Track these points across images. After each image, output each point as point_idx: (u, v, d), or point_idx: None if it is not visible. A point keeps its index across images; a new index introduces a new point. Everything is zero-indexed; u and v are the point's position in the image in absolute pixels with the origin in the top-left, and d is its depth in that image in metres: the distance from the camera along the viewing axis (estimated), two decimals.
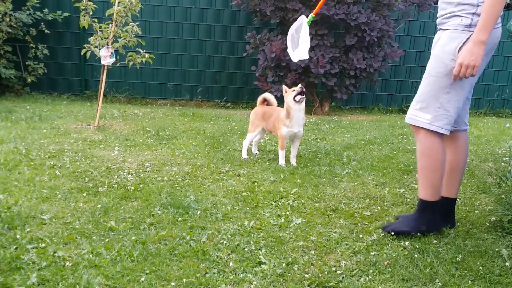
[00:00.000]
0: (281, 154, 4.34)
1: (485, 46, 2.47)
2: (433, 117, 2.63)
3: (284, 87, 4.31)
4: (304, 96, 4.18)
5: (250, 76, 8.94)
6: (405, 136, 5.99)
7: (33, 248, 2.45)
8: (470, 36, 2.50)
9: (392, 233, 2.74)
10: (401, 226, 2.79)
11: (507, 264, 2.40)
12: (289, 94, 4.22)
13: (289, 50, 3.89)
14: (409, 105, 8.85)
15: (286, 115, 4.25)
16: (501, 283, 2.23)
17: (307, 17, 3.83)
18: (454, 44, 2.55)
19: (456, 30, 2.56)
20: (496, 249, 2.57)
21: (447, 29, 2.62)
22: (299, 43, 3.78)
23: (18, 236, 2.55)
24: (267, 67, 8.00)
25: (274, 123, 4.41)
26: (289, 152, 4.43)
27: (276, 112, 4.44)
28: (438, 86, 2.61)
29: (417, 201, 2.84)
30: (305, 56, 3.74)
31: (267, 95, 4.70)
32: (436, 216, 2.79)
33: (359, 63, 7.72)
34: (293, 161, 4.39)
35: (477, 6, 2.50)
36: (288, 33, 3.90)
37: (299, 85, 4.22)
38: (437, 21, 2.75)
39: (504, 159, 4.55)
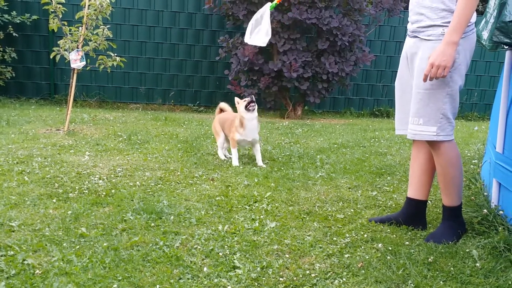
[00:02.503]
0: (233, 152, 4.52)
1: (457, 47, 2.49)
2: (438, 128, 2.64)
3: (236, 99, 4.53)
4: (256, 105, 4.39)
5: (223, 80, 8.93)
6: (376, 140, 6.07)
7: (2, 256, 2.38)
8: None
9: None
10: (443, 237, 2.76)
11: (477, 264, 2.44)
12: (241, 104, 4.43)
13: (247, 33, 3.83)
14: (380, 109, 8.89)
15: (240, 124, 4.44)
16: (472, 283, 2.27)
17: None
18: None
19: (438, 40, 2.56)
20: (467, 250, 2.61)
21: (428, 40, 2.62)
22: (259, 28, 3.77)
23: None
24: (240, 71, 8.01)
25: (230, 127, 4.59)
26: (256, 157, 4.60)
27: (231, 116, 4.66)
28: (435, 98, 2.61)
29: (441, 211, 2.89)
30: (263, 43, 3.72)
31: (222, 104, 4.96)
32: (462, 217, 2.88)
33: (331, 67, 7.79)
34: (260, 163, 4.52)
35: None
36: (253, 17, 3.86)
37: (250, 95, 4.44)
38: (411, 27, 2.75)
39: (473, 161, 4.65)
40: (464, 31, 2.50)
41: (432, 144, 2.72)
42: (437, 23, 2.58)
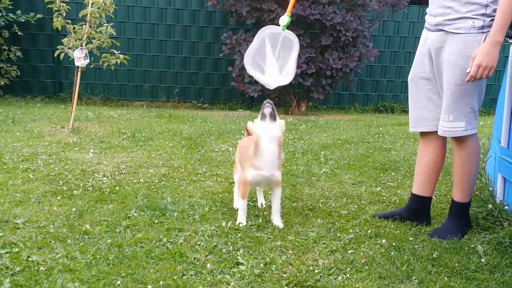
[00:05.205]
0: (241, 205, 2.94)
1: (500, 47, 2.45)
2: (467, 123, 2.64)
3: (249, 124, 3.08)
4: (271, 108, 2.83)
5: (227, 77, 8.92)
6: (381, 135, 6.05)
7: (6, 253, 2.39)
8: (485, 37, 2.48)
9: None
10: (448, 232, 2.75)
11: (482, 260, 2.43)
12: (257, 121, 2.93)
13: (256, 74, 3.24)
14: (385, 104, 8.86)
15: (254, 150, 2.87)
16: (476, 279, 2.26)
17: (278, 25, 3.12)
18: (473, 49, 2.49)
19: (469, 33, 2.53)
20: (472, 246, 2.60)
21: (456, 33, 2.57)
22: (281, 66, 3.20)
23: None
24: (244, 68, 7.99)
25: (243, 161, 3.03)
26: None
27: (246, 144, 3.05)
28: (466, 94, 2.60)
29: (450, 206, 2.90)
30: (287, 79, 3.11)
31: (248, 125, 3.11)
32: (469, 215, 2.86)
33: (335, 63, 7.77)
34: (276, 221, 2.92)
35: (486, 6, 2.49)
36: (249, 50, 3.17)
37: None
38: (434, 20, 2.68)
39: None
40: (507, 29, 2.45)
41: (458, 138, 2.72)
42: (467, 16, 2.53)
